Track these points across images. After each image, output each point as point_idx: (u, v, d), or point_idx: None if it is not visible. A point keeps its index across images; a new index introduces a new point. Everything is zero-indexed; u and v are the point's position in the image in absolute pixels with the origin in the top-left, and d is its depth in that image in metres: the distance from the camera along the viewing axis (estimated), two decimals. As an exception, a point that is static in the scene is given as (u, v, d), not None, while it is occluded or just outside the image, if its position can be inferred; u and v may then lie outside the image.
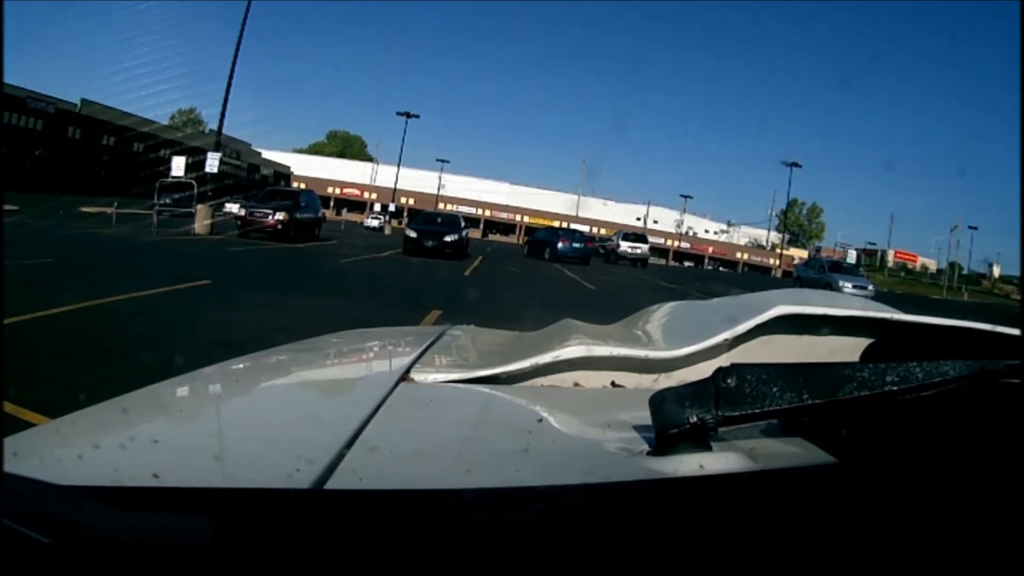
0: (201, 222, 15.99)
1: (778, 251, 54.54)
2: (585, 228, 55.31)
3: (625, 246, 28.38)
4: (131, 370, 3.51)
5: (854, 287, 17.59)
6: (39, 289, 5.42)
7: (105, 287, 6.04)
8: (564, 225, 35.23)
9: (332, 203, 52.41)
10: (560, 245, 21.67)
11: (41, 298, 4.87)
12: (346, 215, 42.63)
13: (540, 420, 0.64)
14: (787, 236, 61.85)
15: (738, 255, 63.56)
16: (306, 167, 56.96)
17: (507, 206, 61.12)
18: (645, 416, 0.54)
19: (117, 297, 5.71)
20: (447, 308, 6.93)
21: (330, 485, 0.46)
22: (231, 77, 17.89)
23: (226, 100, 18.03)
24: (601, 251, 29.77)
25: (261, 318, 5.63)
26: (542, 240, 23.39)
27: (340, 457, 0.51)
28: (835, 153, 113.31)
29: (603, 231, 53.24)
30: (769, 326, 0.83)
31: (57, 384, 3.12)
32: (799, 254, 53.15)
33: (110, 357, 3.89)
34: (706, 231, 67.01)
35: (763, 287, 1.27)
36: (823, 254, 49.24)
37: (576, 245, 21.97)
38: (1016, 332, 0.75)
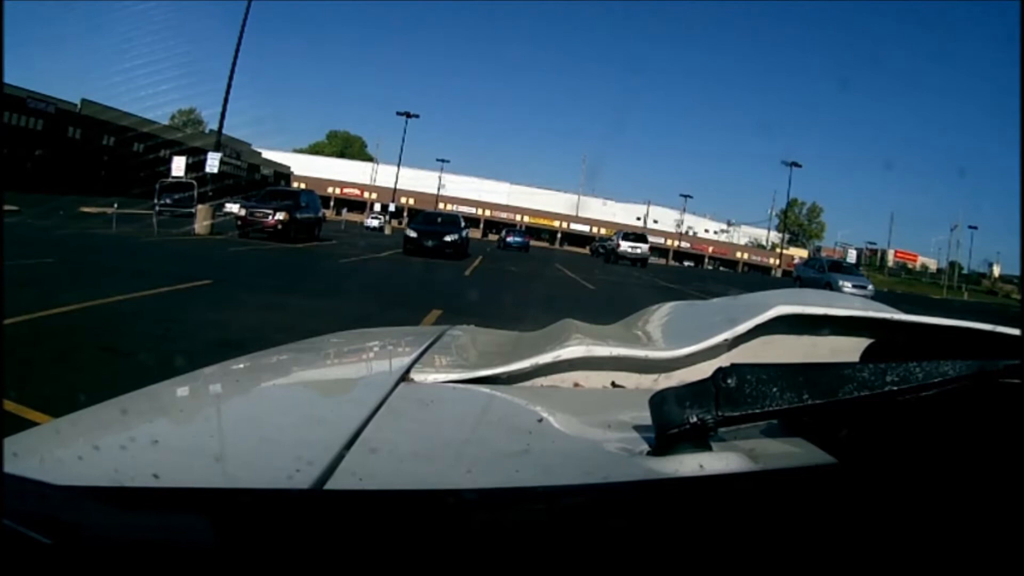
0: (201, 222, 15.99)
1: (778, 251, 54.48)
2: (585, 228, 56.72)
3: (625, 246, 28.46)
4: (132, 370, 3.51)
5: (854, 287, 17.51)
6: (40, 289, 5.42)
7: (106, 287, 6.04)
8: (564, 225, 45.93)
9: (332, 203, 52.26)
10: (508, 239, 31.66)
11: (42, 298, 4.87)
12: (346, 215, 42.46)
13: (540, 420, 0.64)
14: (787, 236, 61.78)
15: (738, 255, 63.52)
16: (306, 167, 56.83)
17: (507, 206, 61.06)
18: (645, 416, 0.54)
19: (118, 297, 5.71)
20: (447, 308, 6.92)
21: (330, 486, 0.46)
22: (231, 77, 17.90)
23: (226, 100, 18.04)
24: (601, 251, 36.21)
25: (262, 318, 5.64)
26: (501, 237, 34.41)
27: (340, 458, 0.50)
28: (835, 153, 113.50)
29: (603, 231, 53.51)
30: (769, 326, 0.83)
31: (58, 384, 3.12)
32: (799, 254, 53.04)
33: (111, 357, 3.89)
34: (706, 231, 66.93)
35: (763, 287, 1.27)
36: (823, 254, 49.23)
37: (517, 239, 31.62)
38: (1016, 332, 0.75)
